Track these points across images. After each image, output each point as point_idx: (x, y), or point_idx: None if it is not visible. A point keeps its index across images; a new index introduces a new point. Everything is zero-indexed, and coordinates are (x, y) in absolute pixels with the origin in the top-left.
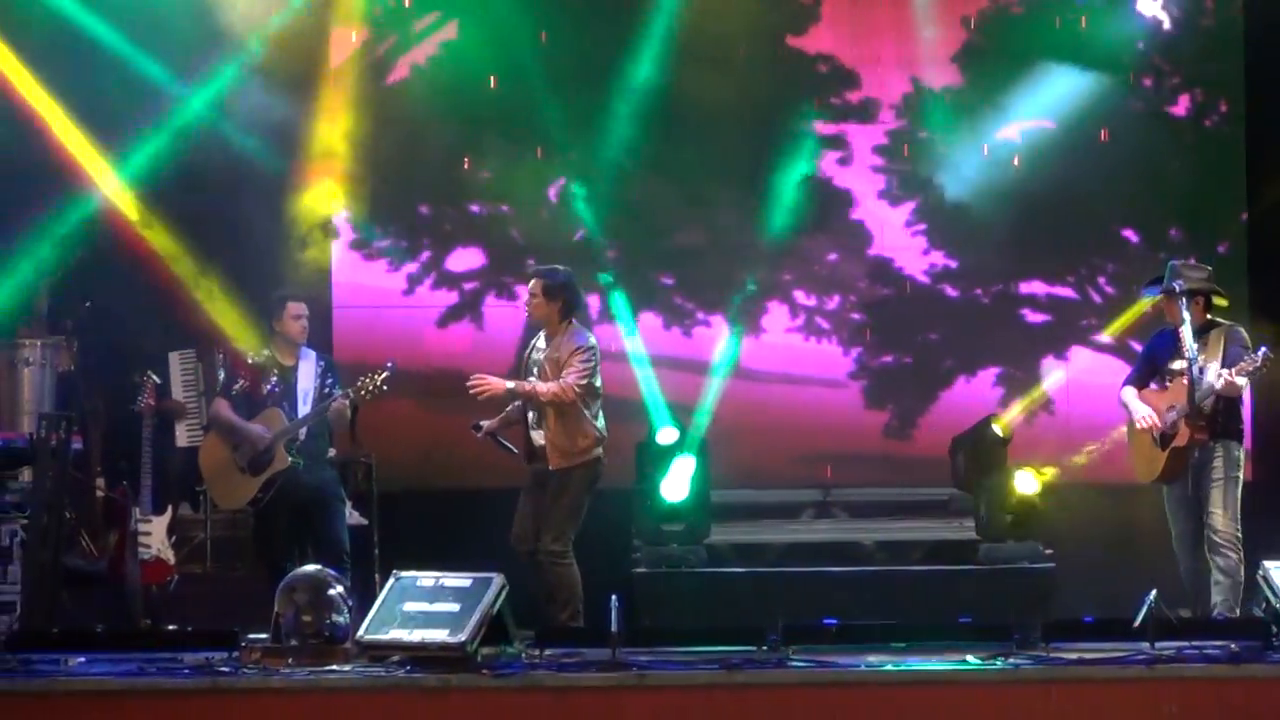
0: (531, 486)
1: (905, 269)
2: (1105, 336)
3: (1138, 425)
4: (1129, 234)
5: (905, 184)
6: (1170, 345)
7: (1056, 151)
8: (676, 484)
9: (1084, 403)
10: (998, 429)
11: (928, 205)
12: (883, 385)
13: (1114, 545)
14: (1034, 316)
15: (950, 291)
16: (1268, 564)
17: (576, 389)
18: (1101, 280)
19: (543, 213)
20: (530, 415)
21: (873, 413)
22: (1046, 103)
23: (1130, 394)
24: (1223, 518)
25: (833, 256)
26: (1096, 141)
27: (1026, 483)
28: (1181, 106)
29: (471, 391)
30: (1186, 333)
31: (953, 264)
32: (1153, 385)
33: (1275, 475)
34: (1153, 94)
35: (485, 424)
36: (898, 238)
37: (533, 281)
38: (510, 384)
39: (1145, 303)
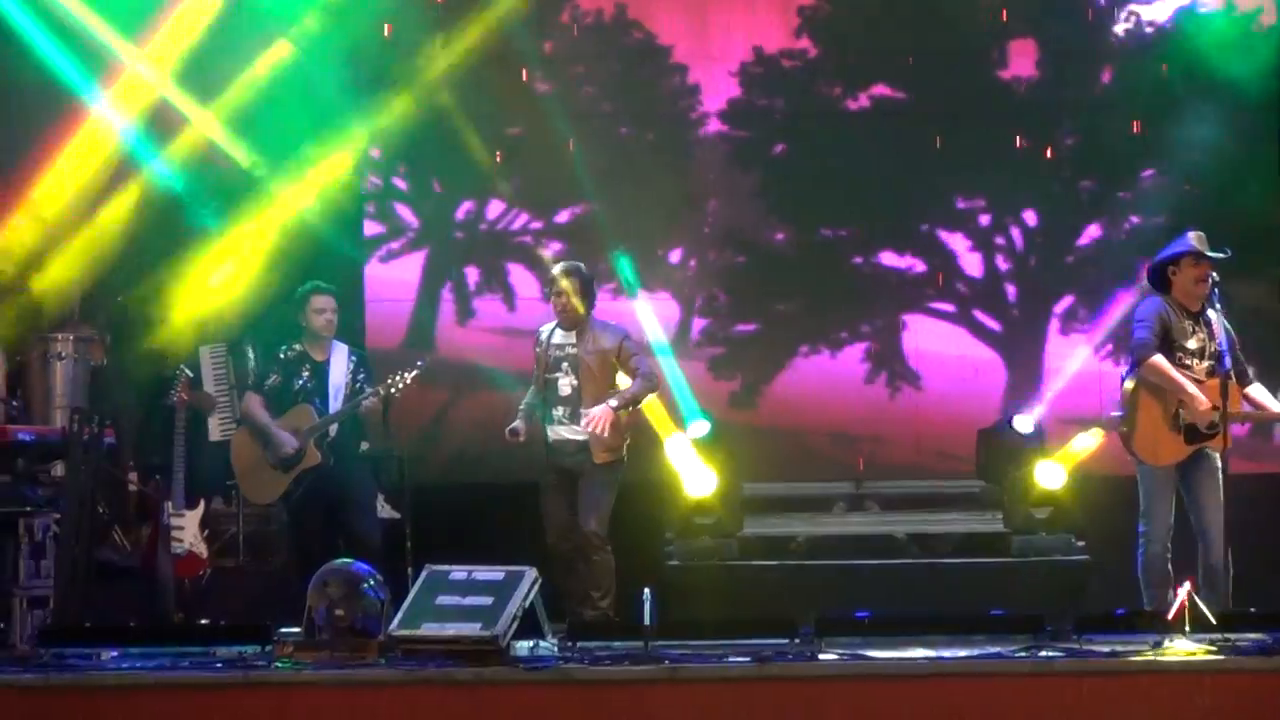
0: (557, 484)
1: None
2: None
3: (1199, 411)
4: (963, 203)
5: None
6: (1180, 319)
7: (907, 121)
8: (702, 477)
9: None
10: (1024, 423)
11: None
12: (732, 355)
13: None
14: (884, 284)
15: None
16: None
17: (656, 375)
18: (953, 251)
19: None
20: (560, 411)
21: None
22: (899, 72)
23: (1172, 368)
24: (1219, 515)
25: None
26: (946, 113)
27: (1051, 476)
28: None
29: (594, 432)
30: (1216, 322)
31: (804, 233)
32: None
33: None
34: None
35: (519, 428)
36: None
37: (566, 280)
38: (614, 403)
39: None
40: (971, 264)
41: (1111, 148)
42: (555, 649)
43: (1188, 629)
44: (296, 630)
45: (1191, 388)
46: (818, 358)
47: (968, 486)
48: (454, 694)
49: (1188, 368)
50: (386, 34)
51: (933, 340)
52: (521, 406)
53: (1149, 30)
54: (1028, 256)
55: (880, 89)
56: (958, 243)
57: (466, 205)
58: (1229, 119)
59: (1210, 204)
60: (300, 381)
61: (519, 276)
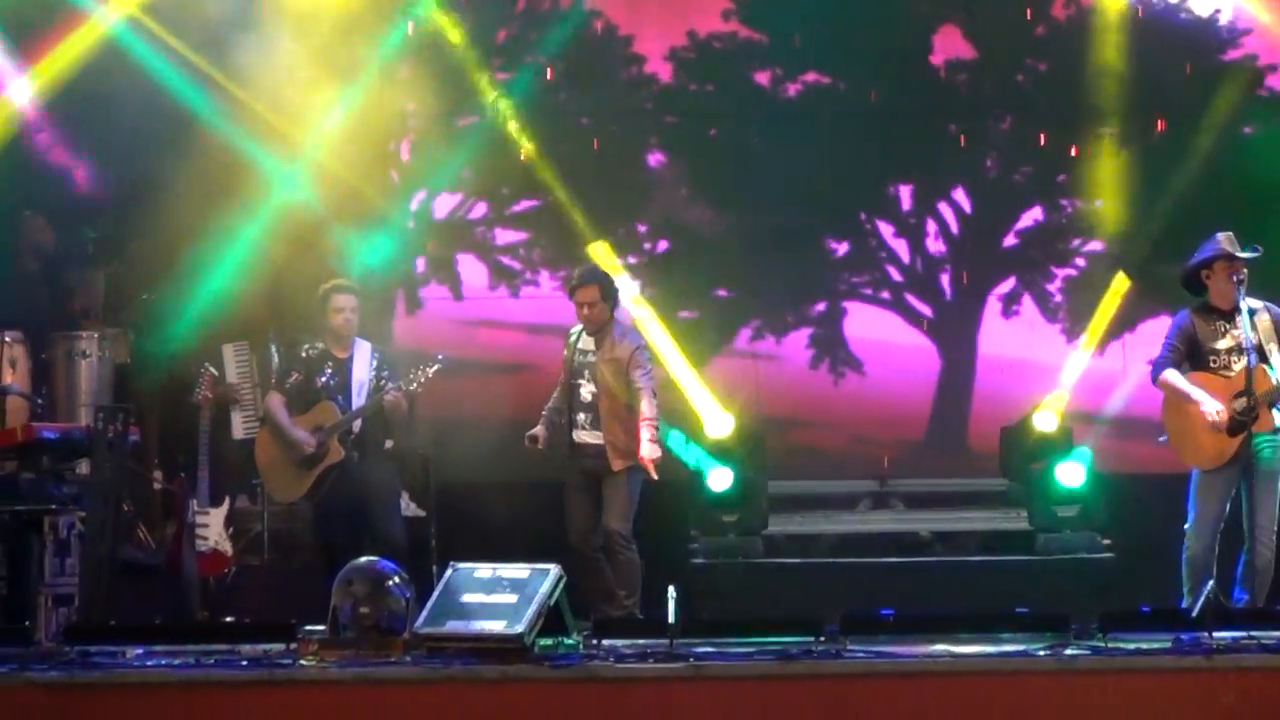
0: (581, 485)
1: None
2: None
3: (1209, 419)
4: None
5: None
6: (1209, 324)
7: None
8: (724, 475)
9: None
10: (1046, 420)
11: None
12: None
13: (1171, 534)
14: (822, 272)
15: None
16: None
17: (655, 392)
18: (884, 234)
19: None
20: (582, 416)
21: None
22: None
23: (1180, 379)
24: (1273, 511)
25: None
26: (869, 99)
27: (1074, 474)
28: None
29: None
30: (1244, 318)
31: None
32: (1185, 370)
33: None
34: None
35: (539, 434)
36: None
37: (587, 289)
38: (651, 439)
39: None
40: (904, 249)
41: (1049, 129)
42: (580, 647)
43: (1213, 626)
44: (321, 628)
45: (1199, 394)
46: (761, 344)
47: (991, 484)
48: (479, 692)
49: (1224, 367)
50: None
51: (871, 327)
52: (545, 411)
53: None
54: (964, 242)
55: (813, 76)
56: (892, 229)
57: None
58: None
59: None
60: (323, 379)
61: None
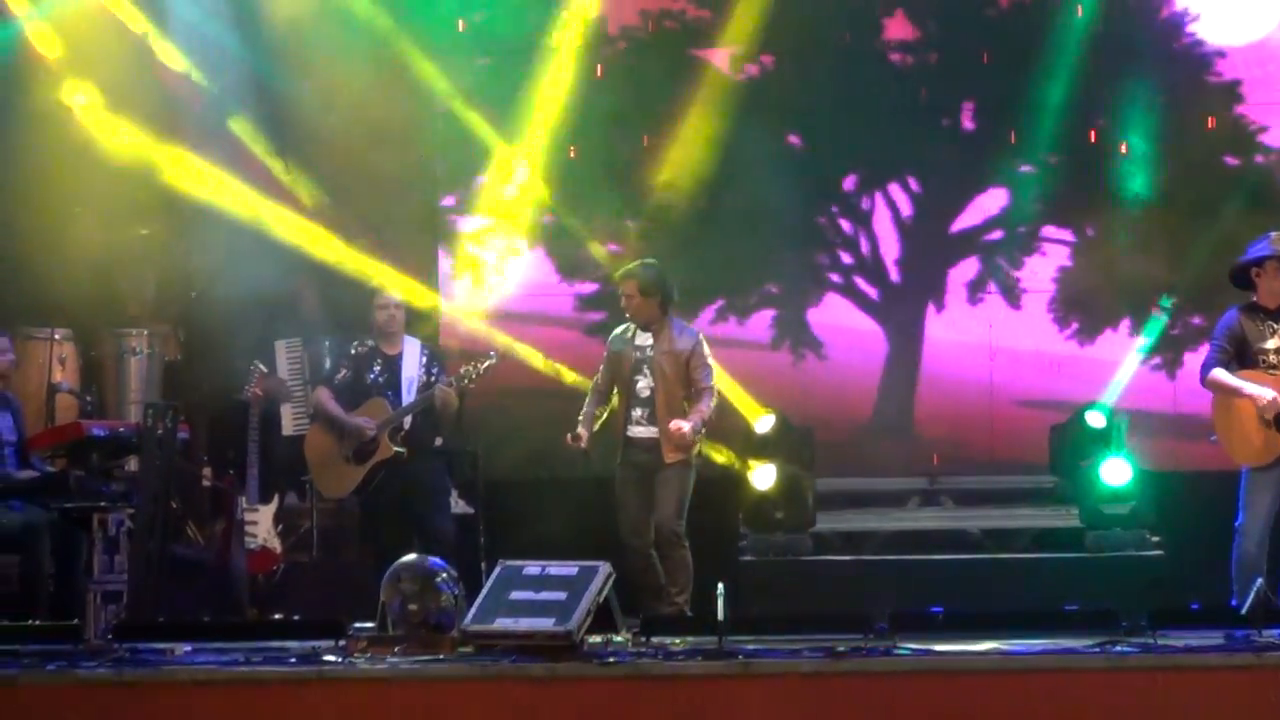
0: (634, 480)
1: None
2: None
3: (1264, 404)
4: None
5: None
6: (1258, 324)
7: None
8: (767, 472)
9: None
10: (1097, 417)
11: None
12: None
13: (1221, 532)
14: (780, 255)
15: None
16: None
17: (717, 388)
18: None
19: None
20: (639, 412)
21: None
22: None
23: (1229, 376)
24: None
25: None
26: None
27: (1121, 471)
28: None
29: (673, 439)
30: None
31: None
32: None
33: None
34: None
35: (582, 434)
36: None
37: (627, 282)
38: (694, 427)
39: None
40: (853, 232)
41: (1006, 114)
42: (629, 644)
43: (1263, 624)
44: (370, 625)
45: (1251, 387)
46: (724, 326)
47: (1041, 482)
48: (527, 689)
49: (1273, 366)
50: None
51: (828, 311)
52: (581, 415)
53: None
54: (914, 227)
55: (768, 58)
56: (843, 212)
57: None
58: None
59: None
60: (373, 376)
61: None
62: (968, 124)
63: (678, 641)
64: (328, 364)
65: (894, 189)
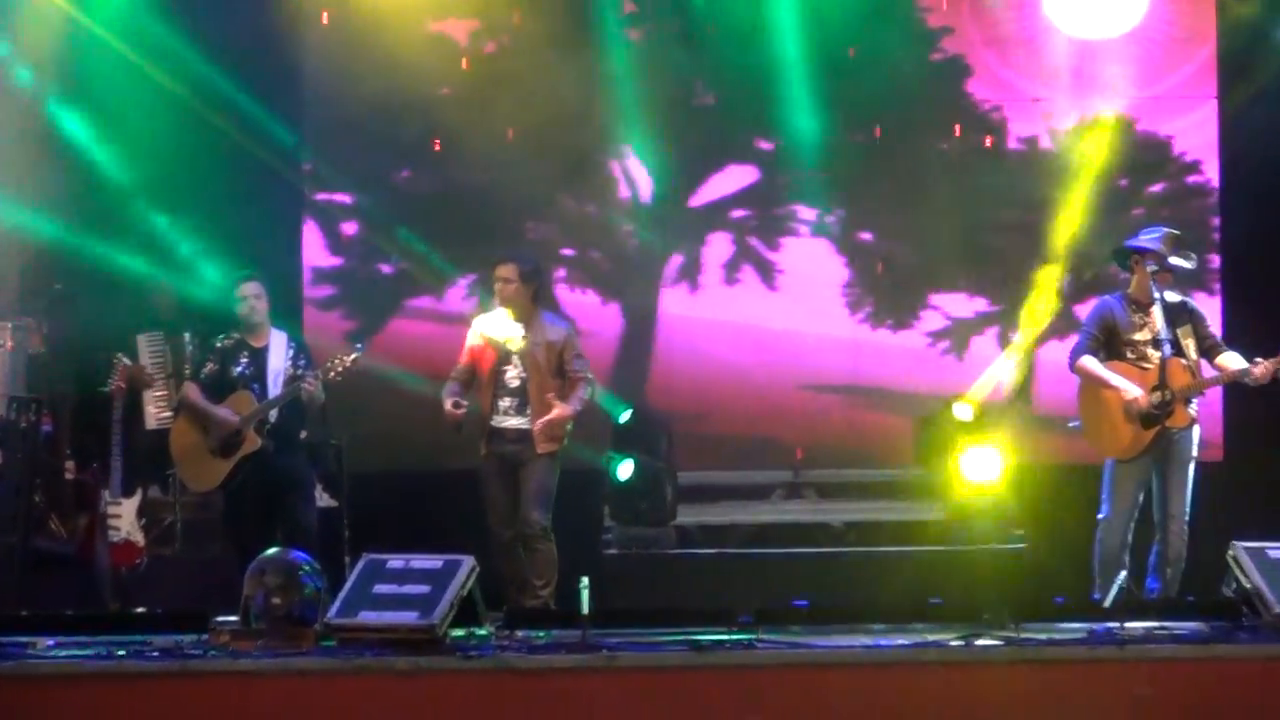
0: (500, 471)
1: None
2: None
3: (1128, 401)
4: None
5: None
6: (1129, 314)
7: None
8: (627, 465)
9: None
10: (963, 410)
11: None
12: None
13: (1084, 525)
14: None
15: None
16: (1237, 544)
17: (593, 377)
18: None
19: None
20: (507, 402)
21: None
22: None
23: (1099, 365)
24: (1185, 500)
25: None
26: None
27: (987, 464)
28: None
29: (547, 430)
30: (1158, 310)
31: None
32: (1100, 358)
33: (1243, 456)
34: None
35: (459, 403)
36: None
37: (506, 267)
38: (561, 418)
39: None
40: (593, 209)
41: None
42: (492, 637)
43: (1126, 617)
44: (233, 618)
45: (1118, 380)
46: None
47: (905, 475)
48: (391, 683)
49: (1141, 358)
50: None
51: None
52: (445, 394)
53: None
54: (653, 203)
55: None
56: (586, 187)
57: None
58: None
59: None
60: (239, 368)
61: None
62: (707, 99)
63: (542, 635)
64: (190, 356)
65: (632, 163)
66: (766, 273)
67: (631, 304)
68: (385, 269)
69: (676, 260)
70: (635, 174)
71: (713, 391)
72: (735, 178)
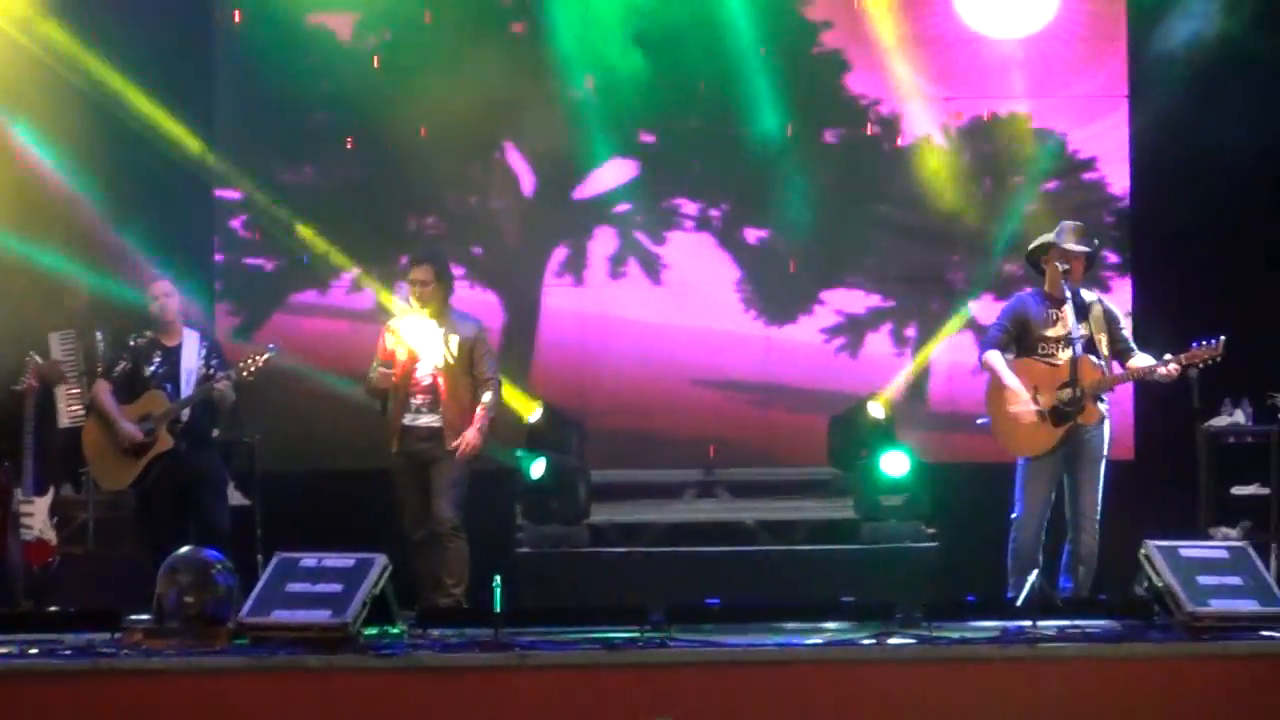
0: (411, 468)
1: None
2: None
3: (1013, 409)
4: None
5: None
6: (1043, 310)
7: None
8: (539, 464)
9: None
10: (876, 409)
11: None
12: None
13: (996, 524)
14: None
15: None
16: (1149, 543)
17: (500, 379)
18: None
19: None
20: (419, 400)
21: None
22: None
23: (1002, 363)
24: (1096, 498)
25: None
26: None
27: (898, 463)
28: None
29: (466, 457)
30: (1070, 307)
31: None
32: (1011, 353)
33: (1154, 455)
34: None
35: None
36: None
37: (421, 269)
38: (479, 428)
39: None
40: (474, 201)
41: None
42: (405, 636)
43: (1038, 616)
44: (146, 617)
45: (1010, 379)
46: (361, 296)
47: (819, 473)
48: (304, 681)
49: (1051, 355)
50: None
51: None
52: (371, 373)
53: None
54: (533, 195)
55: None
56: (469, 180)
57: None
58: None
59: None
60: (152, 368)
61: None
62: (590, 92)
63: (454, 633)
64: (103, 355)
65: (514, 156)
66: (651, 267)
67: (513, 298)
68: (268, 265)
69: (560, 254)
70: (517, 168)
71: (596, 386)
72: (618, 171)
